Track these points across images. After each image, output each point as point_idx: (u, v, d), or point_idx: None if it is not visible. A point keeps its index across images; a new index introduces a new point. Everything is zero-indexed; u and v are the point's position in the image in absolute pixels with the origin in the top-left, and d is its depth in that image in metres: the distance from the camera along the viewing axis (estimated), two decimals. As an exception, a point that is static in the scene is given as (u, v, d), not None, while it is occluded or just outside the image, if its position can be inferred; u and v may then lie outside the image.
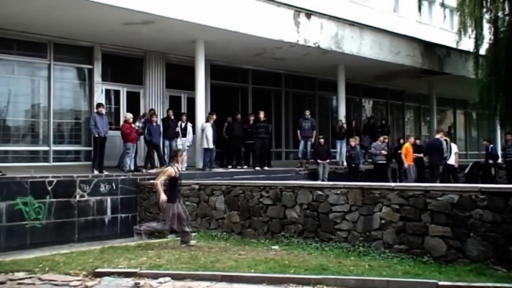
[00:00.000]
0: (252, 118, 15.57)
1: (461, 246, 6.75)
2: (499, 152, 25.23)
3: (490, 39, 16.43)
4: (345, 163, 16.39)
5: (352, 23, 16.38)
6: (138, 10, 11.33)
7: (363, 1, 20.38)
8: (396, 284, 5.87)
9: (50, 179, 10.44)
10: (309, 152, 16.12)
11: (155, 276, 6.48)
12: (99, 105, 12.56)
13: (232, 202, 9.65)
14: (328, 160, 15.40)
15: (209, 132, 13.83)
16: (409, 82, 21.63)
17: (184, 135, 13.98)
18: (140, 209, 11.70)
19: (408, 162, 15.21)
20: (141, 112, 14.49)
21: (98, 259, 7.58)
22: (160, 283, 6.30)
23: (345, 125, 17.59)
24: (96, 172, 11.79)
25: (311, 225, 8.40)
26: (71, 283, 6.32)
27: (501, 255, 6.41)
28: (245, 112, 16.79)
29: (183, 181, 11.11)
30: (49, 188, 10.34)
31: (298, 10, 14.71)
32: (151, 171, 10.12)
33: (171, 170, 8.47)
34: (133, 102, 14.86)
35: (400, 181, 15.38)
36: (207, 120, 14.15)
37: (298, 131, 16.41)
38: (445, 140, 15.20)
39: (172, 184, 8.50)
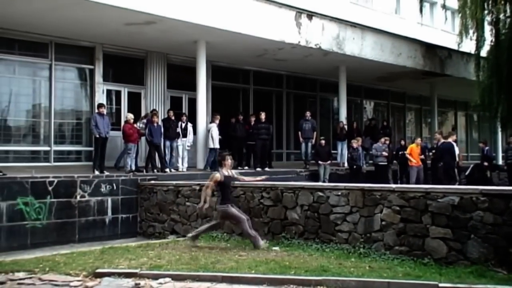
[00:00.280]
0: (253, 119, 15.59)
1: (462, 248, 6.74)
2: (500, 154, 25.39)
3: (491, 41, 16.43)
4: (346, 165, 16.39)
5: (354, 25, 16.39)
6: (140, 11, 11.36)
7: (365, 2, 20.40)
8: (396, 286, 5.85)
9: (51, 179, 10.44)
10: (310, 153, 16.13)
11: (155, 277, 6.46)
12: (100, 105, 12.57)
13: (233, 203, 9.62)
14: (329, 161, 15.40)
15: (215, 132, 13.92)
16: (410, 84, 21.64)
17: (184, 136, 14.00)
18: (141, 209, 11.70)
19: (411, 163, 15.24)
20: (143, 113, 14.51)
21: (99, 259, 7.57)
22: (161, 283, 6.28)
23: (346, 127, 17.59)
24: (97, 173, 11.80)
25: (311, 226, 8.39)
26: (72, 284, 6.31)
27: (502, 257, 6.39)
28: (246, 113, 16.79)
29: (183, 182, 11.16)
30: (50, 188, 10.34)
31: (299, 11, 14.72)
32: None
33: (216, 176, 8.42)
34: (134, 103, 14.88)
35: (402, 183, 15.42)
36: (212, 121, 14.18)
37: (299, 132, 16.43)
38: (443, 142, 15.18)
39: (222, 189, 8.45)
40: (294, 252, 7.80)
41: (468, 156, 25.91)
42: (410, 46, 18.25)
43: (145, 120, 13.59)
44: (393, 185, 8.71)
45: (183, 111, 15.30)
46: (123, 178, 11.66)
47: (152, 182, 11.80)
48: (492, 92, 15.93)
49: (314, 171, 15.23)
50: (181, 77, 15.72)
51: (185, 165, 14.06)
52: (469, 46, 17.20)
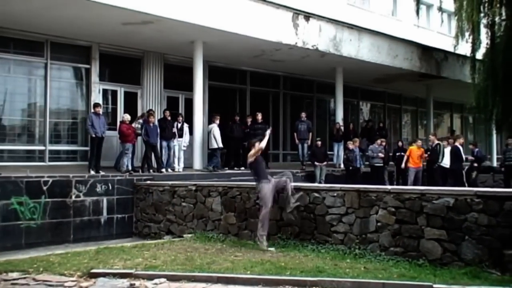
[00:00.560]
0: (249, 119, 15.58)
1: (456, 249, 6.76)
2: (495, 156, 25.50)
3: (487, 44, 16.49)
4: (342, 166, 16.41)
5: (351, 26, 16.42)
6: (137, 10, 11.34)
7: (362, 4, 20.46)
8: (391, 287, 5.87)
9: (46, 179, 10.41)
10: (306, 154, 16.15)
11: (150, 277, 6.46)
12: (96, 105, 12.54)
13: (229, 204, 9.63)
14: (325, 163, 15.42)
15: (217, 132, 14.01)
16: (406, 86, 21.70)
17: (180, 136, 13.99)
18: (137, 209, 11.68)
19: (409, 164, 15.30)
20: (139, 113, 14.48)
21: (94, 259, 7.55)
22: (156, 284, 6.28)
23: (342, 128, 17.62)
24: (92, 172, 11.77)
25: (307, 227, 8.40)
26: (66, 284, 6.30)
27: (496, 258, 6.42)
28: (243, 113, 16.79)
29: (179, 182, 11.15)
30: (45, 188, 10.31)
31: (297, 12, 14.73)
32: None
33: (261, 144, 8.85)
34: (131, 103, 14.83)
35: (398, 184, 15.47)
36: (212, 121, 14.20)
37: (295, 134, 16.44)
38: (438, 144, 15.27)
39: (256, 167, 8.78)
40: (289, 253, 7.81)
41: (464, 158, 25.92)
42: (407, 48, 18.29)
43: (141, 120, 13.55)
44: (389, 187, 8.74)
45: (180, 111, 15.27)
46: (118, 178, 11.64)
47: (148, 182, 11.78)
48: (487, 94, 15.99)
49: (310, 172, 15.24)
50: (178, 77, 15.70)
51: (181, 165, 14.05)
52: (465, 48, 17.26)
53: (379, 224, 7.55)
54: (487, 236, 6.53)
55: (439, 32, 22.91)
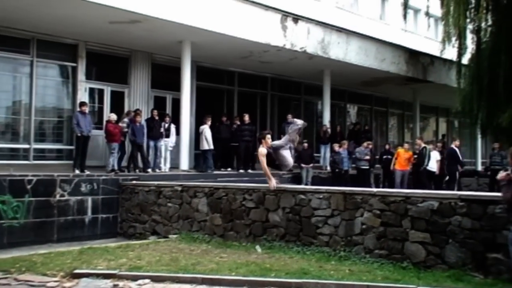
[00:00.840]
0: (237, 120, 15.57)
1: (440, 252, 6.81)
2: (479, 160, 25.79)
3: (473, 49, 16.68)
4: (328, 168, 16.47)
5: (339, 29, 16.51)
6: (125, 9, 11.27)
7: (350, 7, 20.59)
8: (375, 289, 5.91)
9: (30, 177, 10.29)
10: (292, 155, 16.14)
11: (134, 278, 6.42)
12: (82, 103, 12.43)
13: (215, 205, 9.61)
14: (311, 164, 15.46)
15: (208, 133, 13.96)
16: (393, 89, 21.86)
17: (167, 136, 13.93)
18: (122, 210, 11.60)
19: (396, 166, 15.44)
20: (125, 111, 14.36)
21: (77, 259, 7.48)
22: (140, 285, 6.24)
23: (329, 130, 17.69)
24: (77, 172, 11.66)
25: (293, 229, 8.41)
26: (48, 284, 6.23)
27: (479, 261, 6.48)
28: (231, 114, 16.77)
29: (165, 182, 11.09)
30: (28, 187, 10.19)
31: (285, 14, 14.77)
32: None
33: (261, 149, 8.54)
34: (117, 102, 14.73)
35: (384, 187, 15.59)
36: (204, 122, 14.16)
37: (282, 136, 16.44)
38: (424, 147, 15.42)
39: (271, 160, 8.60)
40: (275, 255, 7.81)
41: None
42: (394, 52, 18.44)
43: (127, 119, 13.44)
44: (374, 189, 8.80)
45: (167, 111, 15.21)
46: (104, 177, 11.55)
47: (134, 182, 11.71)
48: (472, 99, 16.16)
49: (296, 174, 15.27)
50: (165, 77, 15.63)
51: (168, 165, 13.99)
52: (451, 53, 17.44)
53: (364, 226, 7.58)
54: (470, 239, 6.59)
55: (426, 37, 23.14)
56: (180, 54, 14.07)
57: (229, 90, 18.05)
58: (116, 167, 12.50)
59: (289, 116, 16.60)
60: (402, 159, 15.50)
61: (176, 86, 14.48)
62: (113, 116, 12.88)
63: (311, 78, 19.04)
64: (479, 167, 24.35)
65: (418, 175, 15.36)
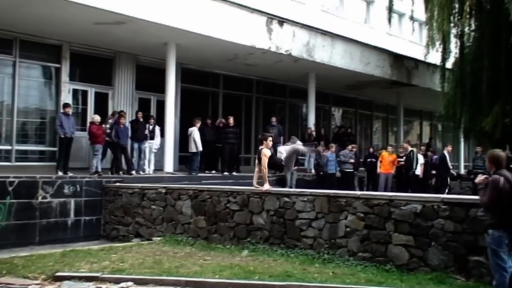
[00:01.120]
0: (222, 123, 15.54)
1: (423, 255, 6.87)
2: (462, 164, 26.09)
3: (456, 54, 16.87)
4: (313, 171, 16.52)
5: (324, 32, 16.59)
6: (110, 10, 11.18)
7: (336, 11, 20.69)
8: (358, 292, 5.94)
9: (11, 179, 10.16)
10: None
11: (117, 281, 6.36)
12: (65, 105, 12.31)
13: (199, 207, 9.57)
14: (296, 167, 15.45)
15: (197, 136, 13.92)
16: (378, 93, 22.03)
17: (152, 138, 13.85)
18: (105, 212, 11.50)
19: (381, 169, 15.54)
20: (110, 113, 14.24)
21: (59, 262, 7.39)
22: (123, 287, 6.19)
23: (314, 133, 17.75)
24: (60, 173, 11.53)
25: (277, 232, 8.41)
26: (30, 287, 6.14)
27: (461, 264, 6.55)
28: (215, 116, 16.74)
29: (149, 185, 11.03)
30: (10, 188, 10.06)
31: (271, 17, 14.80)
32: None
33: (266, 150, 8.62)
34: (101, 103, 14.60)
35: (368, 190, 15.68)
36: (193, 125, 14.11)
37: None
38: (411, 151, 15.55)
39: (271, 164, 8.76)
40: (259, 257, 7.81)
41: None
42: (379, 56, 18.59)
43: (111, 120, 13.33)
44: (358, 192, 8.84)
45: (151, 113, 15.12)
46: (87, 179, 11.45)
47: (117, 184, 11.62)
48: (456, 103, 16.34)
49: (281, 176, 15.26)
50: (150, 78, 15.54)
51: (152, 167, 13.91)
52: (435, 57, 17.63)
53: (348, 229, 7.62)
54: (452, 242, 6.67)
55: (411, 41, 23.36)
56: (165, 56, 14.00)
57: (214, 92, 18.02)
58: (99, 169, 12.38)
59: (273, 119, 16.65)
60: (386, 162, 15.63)
61: (160, 88, 14.41)
62: (97, 118, 12.77)
63: (296, 81, 19.09)
64: (462, 171, 24.63)
65: (407, 180, 15.39)
